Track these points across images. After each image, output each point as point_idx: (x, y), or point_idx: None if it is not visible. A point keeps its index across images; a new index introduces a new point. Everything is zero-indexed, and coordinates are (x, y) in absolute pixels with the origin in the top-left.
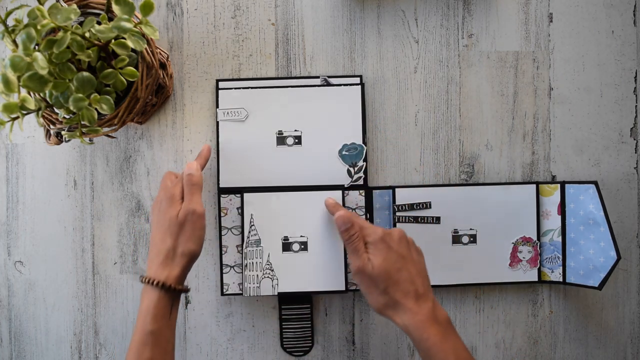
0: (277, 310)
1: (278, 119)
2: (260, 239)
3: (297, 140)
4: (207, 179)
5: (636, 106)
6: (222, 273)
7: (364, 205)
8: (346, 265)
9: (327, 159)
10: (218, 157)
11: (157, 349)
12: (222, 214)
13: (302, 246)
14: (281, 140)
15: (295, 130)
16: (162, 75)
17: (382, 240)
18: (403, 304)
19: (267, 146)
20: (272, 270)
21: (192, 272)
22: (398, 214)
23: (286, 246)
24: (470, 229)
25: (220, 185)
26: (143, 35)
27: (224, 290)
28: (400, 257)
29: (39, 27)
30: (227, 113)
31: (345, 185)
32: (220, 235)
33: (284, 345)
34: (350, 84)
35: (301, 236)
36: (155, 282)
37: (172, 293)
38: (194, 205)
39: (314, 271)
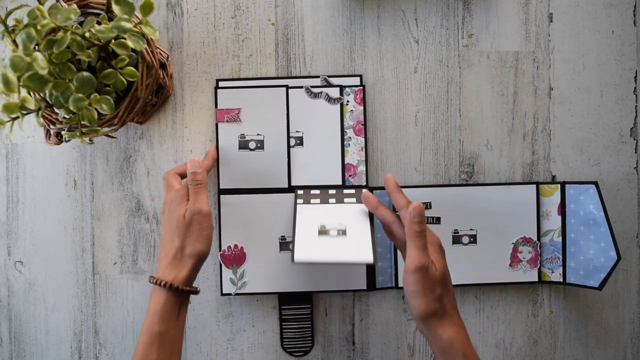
0: (277, 310)
1: (278, 119)
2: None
3: (298, 142)
4: (208, 179)
5: (636, 106)
6: (221, 273)
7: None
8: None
9: (328, 160)
10: (218, 158)
11: (163, 350)
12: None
13: (340, 232)
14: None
15: (297, 132)
16: (162, 75)
17: (440, 246)
18: (451, 316)
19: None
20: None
21: None
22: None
23: (283, 245)
24: (471, 229)
25: (221, 187)
26: (143, 35)
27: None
28: (448, 268)
29: (39, 27)
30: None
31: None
32: (220, 235)
33: (284, 346)
34: (351, 85)
35: (339, 224)
36: (163, 283)
37: (180, 294)
38: (200, 205)
39: (313, 271)
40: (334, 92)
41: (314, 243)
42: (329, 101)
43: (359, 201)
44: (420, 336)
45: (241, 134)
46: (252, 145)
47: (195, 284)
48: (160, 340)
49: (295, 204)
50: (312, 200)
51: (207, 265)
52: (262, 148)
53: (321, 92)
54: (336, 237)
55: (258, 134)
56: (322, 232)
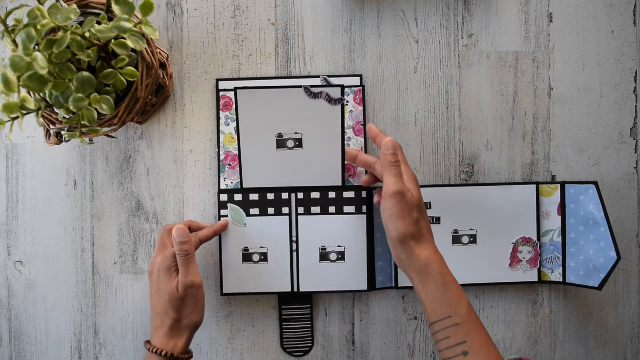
0: (277, 310)
1: (278, 121)
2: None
3: (297, 143)
4: (208, 179)
5: (636, 106)
6: (221, 273)
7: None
8: (371, 264)
9: (327, 162)
10: (219, 158)
11: None
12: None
13: (340, 256)
14: (281, 143)
15: (296, 133)
16: (162, 75)
17: (416, 179)
18: (428, 239)
19: (267, 149)
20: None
21: None
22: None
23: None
24: (471, 229)
25: (221, 187)
26: (143, 35)
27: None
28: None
29: (39, 27)
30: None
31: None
32: (220, 235)
33: (284, 346)
34: (350, 86)
35: (339, 246)
36: (162, 353)
37: None
38: (192, 277)
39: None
40: (335, 93)
41: (314, 271)
42: (329, 102)
43: (358, 209)
44: (420, 336)
45: (279, 134)
46: (290, 144)
47: None
48: None
49: (297, 212)
50: (313, 209)
51: (207, 265)
52: (301, 146)
53: (321, 93)
54: (336, 261)
55: (296, 132)
56: (323, 255)
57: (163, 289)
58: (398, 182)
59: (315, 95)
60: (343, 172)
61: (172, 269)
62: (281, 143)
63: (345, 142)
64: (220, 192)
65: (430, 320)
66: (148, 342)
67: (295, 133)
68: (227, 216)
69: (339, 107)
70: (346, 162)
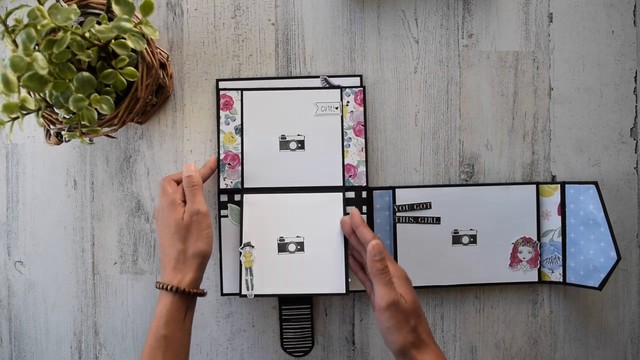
0: (277, 310)
1: (280, 123)
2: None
3: (299, 145)
4: (208, 179)
5: (636, 106)
6: (221, 273)
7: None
8: (347, 267)
9: (329, 163)
10: (219, 158)
11: (169, 353)
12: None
13: (299, 246)
14: (284, 144)
15: (298, 135)
16: (162, 75)
17: (406, 278)
18: (428, 344)
19: (269, 150)
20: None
21: None
22: (398, 214)
23: (282, 247)
24: (471, 230)
25: (221, 187)
26: (143, 35)
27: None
28: (417, 297)
29: (39, 27)
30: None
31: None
32: (220, 235)
33: (284, 346)
34: (351, 87)
35: (297, 237)
36: (169, 287)
37: (187, 297)
38: (197, 205)
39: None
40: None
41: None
42: (326, 86)
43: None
44: None
45: (282, 135)
46: (293, 145)
47: None
48: (166, 343)
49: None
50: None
51: (207, 265)
52: (303, 148)
53: (338, 86)
54: (295, 253)
55: (299, 134)
56: (281, 246)
57: (169, 222)
58: (390, 291)
59: (333, 87)
60: (343, 173)
61: (176, 202)
62: (284, 144)
63: (345, 143)
64: (220, 192)
65: None
66: (157, 282)
67: (298, 135)
68: (227, 216)
69: (338, 117)
70: (346, 163)
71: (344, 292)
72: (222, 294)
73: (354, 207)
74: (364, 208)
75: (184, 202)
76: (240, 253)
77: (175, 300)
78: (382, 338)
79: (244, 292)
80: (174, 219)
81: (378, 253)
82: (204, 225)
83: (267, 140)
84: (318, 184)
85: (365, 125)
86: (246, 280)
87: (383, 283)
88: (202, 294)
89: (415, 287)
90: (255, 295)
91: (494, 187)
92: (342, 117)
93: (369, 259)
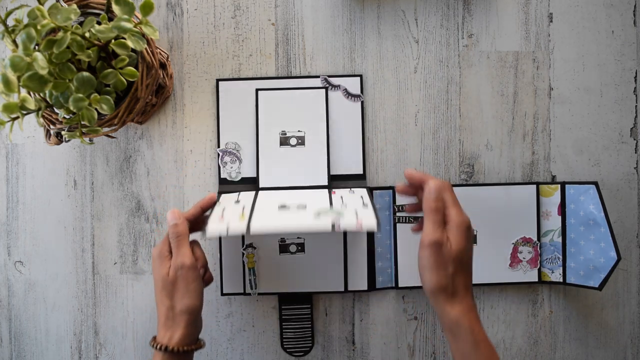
0: (277, 310)
1: (281, 119)
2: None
3: (300, 141)
4: (208, 179)
5: (636, 106)
6: (221, 273)
7: None
8: (346, 266)
9: (345, 154)
10: (219, 157)
11: None
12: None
13: (299, 247)
14: (284, 140)
15: (299, 131)
16: (162, 75)
17: (468, 228)
18: (462, 296)
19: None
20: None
21: None
22: (398, 214)
23: (283, 248)
24: None
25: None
26: (143, 35)
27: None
28: (471, 250)
29: (39, 27)
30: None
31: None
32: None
33: (284, 346)
34: (353, 95)
35: (298, 237)
36: (158, 346)
37: (177, 355)
38: (182, 259)
39: (312, 272)
40: (354, 88)
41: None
42: (347, 96)
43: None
44: (420, 336)
45: (282, 131)
46: (293, 141)
47: None
48: None
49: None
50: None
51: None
52: (303, 144)
53: (339, 86)
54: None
55: (299, 131)
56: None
57: (156, 276)
58: (436, 230)
59: (333, 87)
60: (364, 163)
61: (163, 254)
62: (284, 140)
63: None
64: (221, 192)
65: None
66: (152, 338)
67: (298, 131)
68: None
69: (359, 103)
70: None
71: (375, 229)
72: (222, 294)
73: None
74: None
75: (171, 253)
76: (243, 254)
77: (166, 358)
78: (419, 272)
79: (247, 291)
80: (160, 274)
81: (434, 192)
82: (190, 279)
83: (272, 137)
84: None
85: (363, 125)
86: (250, 280)
87: (432, 221)
88: (195, 349)
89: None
90: (259, 293)
91: (494, 187)
92: (362, 112)
93: (425, 196)
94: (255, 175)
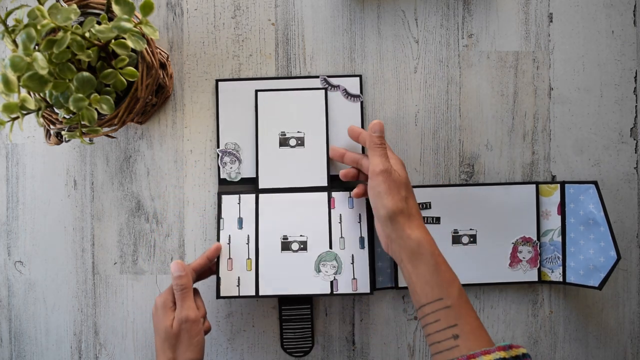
0: (277, 310)
1: (280, 120)
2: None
3: (299, 142)
4: (208, 179)
5: (636, 106)
6: (218, 276)
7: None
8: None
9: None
10: (219, 158)
11: None
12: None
13: (302, 246)
14: (284, 141)
15: (298, 132)
16: (162, 75)
17: (402, 163)
18: (417, 218)
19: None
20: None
21: None
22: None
23: (285, 245)
24: (470, 229)
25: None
26: (143, 35)
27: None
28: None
29: (39, 27)
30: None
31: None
32: (219, 235)
33: (284, 346)
34: (353, 96)
35: (301, 235)
36: None
37: None
38: (186, 312)
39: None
40: (353, 89)
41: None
42: (346, 97)
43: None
44: (420, 336)
45: (282, 132)
46: (292, 142)
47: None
48: None
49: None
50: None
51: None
52: (303, 145)
53: (338, 86)
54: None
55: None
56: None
57: (159, 327)
58: (384, 161)
59: (333, 87)
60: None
61: (167, 305)
62: (284, 141)
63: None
64: (221, 193)
65: (420, 303)
66: None
67: (298, 132)
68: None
69: (358, 103)
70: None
71: (369, 291)
72: (218, 297)
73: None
74: (364, 208)
75: (175, 304)
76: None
77: None
78: (372, 205)
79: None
80: (164, 325)
81: (378, 130)
82: (193, 332)
83: (271, 138)
84: (318, 184)
85: (363, 125)
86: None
87: (378, 154)
88: None
89: None
90: (259, 296)
91: (494, 187)
92: (361, 113)
93: (368, 134)
94: (254, 176)
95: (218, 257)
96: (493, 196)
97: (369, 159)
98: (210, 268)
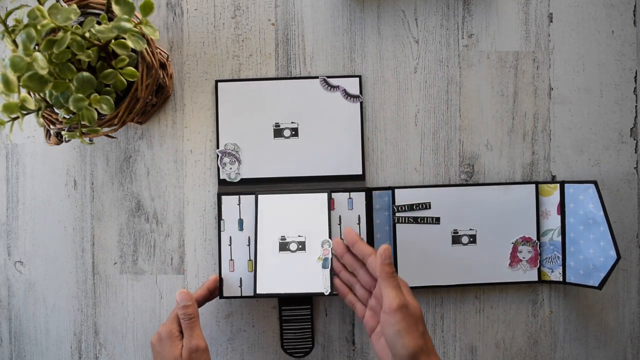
0: (277, 310)
1: (275, 111)
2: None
3: (293, 132)
4: (208, 179)
5: (636, 106)
6: (220, 276)
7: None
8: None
9: (325, 152)
10: (218, 158)
11: None
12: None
13: (300, 246)
14: (278, 132)
15: (292, 123)
16: (162, 75)
17: (408, 287)
18: (435, 353)
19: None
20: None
21: (191, 271)
22: (398, 214)
23: (283, 246)
24: (470, 229)
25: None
26: (143, 35)
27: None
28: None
29: (39, 27)
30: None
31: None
32: (220, 236)
33: (284, 346)
34: (352, 96)
35: (299, 236)
36: None
37: None
38: (196, 341)
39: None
40: (353, 89)
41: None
42: (346, 97)
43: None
44: None
45: (276, 123)
46: (287, 133)
47: (195, 284)
48: None
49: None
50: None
51: (207, 265)
52: (297, 135)
53: (338, 86)
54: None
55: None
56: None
57: (167, 355)
58: (400, 294)
59: (332, 88)
60: (363, 163)
61: (173, 334)
62: (278, 132)
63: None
64: (221, 194)
65: None
66: None
67: (292, 122)
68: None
69: (358, 103)
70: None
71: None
72: (220, 297)
73: (346, 227)
74: (363, 209)
75: (181, 333)
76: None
77: None
78: (388, 340)
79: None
80: (172, 355)
81: (388, 257)
82: None
83: (263, 130)
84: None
85: (363, 125)
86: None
87: (393, 286)
88: None
89: (415, 287)
90: (258, 296)
91: (494, 187)
92: (361, 113)
93: (379, 262)
94: (254, 176)
95: (220, 283)
96: (493, 196)
97: (382, 291)
98: (208, 297)
